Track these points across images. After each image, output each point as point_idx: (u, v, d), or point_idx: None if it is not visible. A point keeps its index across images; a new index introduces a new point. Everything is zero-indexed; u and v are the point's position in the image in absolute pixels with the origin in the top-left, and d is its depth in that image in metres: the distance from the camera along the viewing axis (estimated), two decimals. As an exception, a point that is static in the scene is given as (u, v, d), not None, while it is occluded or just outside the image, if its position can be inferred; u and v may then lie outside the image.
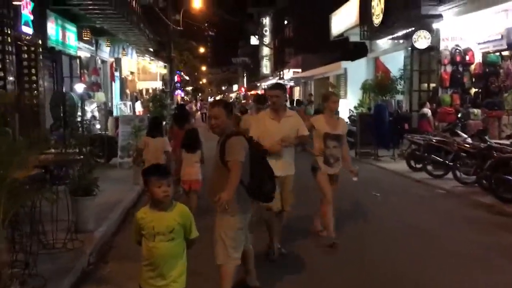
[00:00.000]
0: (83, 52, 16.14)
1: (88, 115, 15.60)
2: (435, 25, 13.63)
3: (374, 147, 13.78)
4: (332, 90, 24.86)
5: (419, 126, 12.56)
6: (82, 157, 5.97)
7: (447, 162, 9.83)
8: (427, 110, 12.60)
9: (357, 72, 21.93)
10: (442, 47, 13.51)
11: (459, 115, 12.42)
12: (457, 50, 13.39)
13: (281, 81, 37.29)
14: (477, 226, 6.88)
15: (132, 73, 26.59)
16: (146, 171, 3.22)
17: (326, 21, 25.70)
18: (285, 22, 41.91)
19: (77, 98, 11.67)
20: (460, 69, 13.49)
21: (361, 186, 9.66)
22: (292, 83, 37.46)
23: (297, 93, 36.98)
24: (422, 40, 13.96)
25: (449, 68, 13.51)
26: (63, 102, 10.17)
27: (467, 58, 13.33)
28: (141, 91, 28.51)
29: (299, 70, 34.43)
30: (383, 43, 19.77)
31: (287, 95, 37.15)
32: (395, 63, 18.65)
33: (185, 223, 3.11)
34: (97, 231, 6.07)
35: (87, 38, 14.07)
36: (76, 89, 12.73)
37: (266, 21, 48.71)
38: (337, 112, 20.99)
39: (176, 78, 34.86)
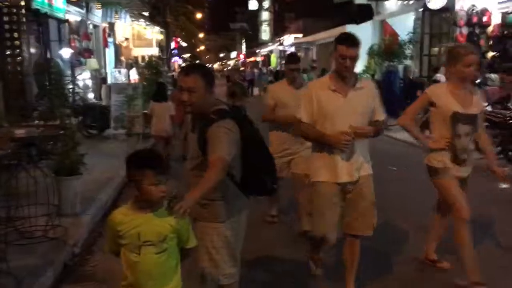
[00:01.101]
0: (73, 15, 15.12)
1: (80, 83, 14.81)
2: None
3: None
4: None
5: (434, 92, 11.68)
6: (63, 131, 5.16)
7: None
8: (441, 76, 11.74)
9: (363, 36, 20.44)
10: (457, 7, 12.55)
11: (477, 81, 11.57)
12: (474, 11, 12.45)
13: (281, 47, 36.22)
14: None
15: (126, 39, 25.51)
16: (137, 160, 2.29)
17: (330, -17, 24.44)
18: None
19: (64, 65, 10.77)
20: (477, 31, 12.59)
21: (373, 158, 9.04)
22: (293, 49, 36.29)
23: (298, 60, 35.83)
24: (436, 0, 12.99)
25: (464, 30, 12.60)
26: (48, 69, 9.29)
27: (484, 19, 12.40)
28: (136, 58, 27.45)
29: (300, 35, 33.27)
30: (391, 4, 18.71)
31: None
32: (404, 26, 17.69)
33: (181, 228, 2.33)
34: (84, 215, 5.35)
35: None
36: (62, 54, 11.81)
37: (266, -16, 47.10)
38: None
39: (173, 45, 33.79)
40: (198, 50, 73.72)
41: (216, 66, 78.13)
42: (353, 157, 3.43)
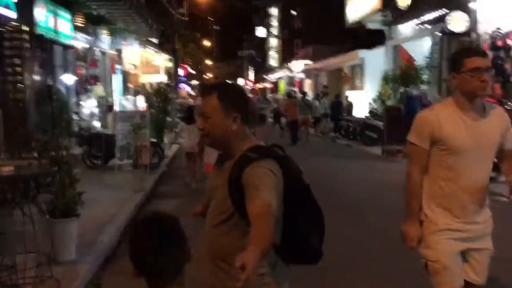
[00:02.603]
0: (80, 42, 14.73)
1: (85, 111, 14.29)
2: (471, 5, 12.03)
3: (403, 144, 12.31)
4: (347, 80, 23.47)
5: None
6: (58, 167, 4.50)
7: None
8: None
9: (375, 61, 20.43)
10: (480, 30, 11.96)
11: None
12: (498, 34, 11.86)
13: (290, 74, 35.88)
14: None
15: (135, 66, 25.24)
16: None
17: (339, 9, 24.13)
18: (294, 12, 40.40)
19: (68, 92, 10.23)
20: (502, 55, 11.97)
21: (398, 192, 8.30)
22: (302, 75, 35.94)
23: (307, 86, 35.47)
24: (458, 22, 12.43)
25: (489, 54, 11.96)
26: (50, 96, 8.73)
27: (510, 42, 11.80)
28: (144, 85, 27.10)
29: (310, 62, 32.94)
30: (405, 29, 18.22)
31: (297, 88, 35.82)
32: (419, 51, 17.16)
33: None
34: (81, 263, 4.65)
35: (81, 25, 12.63)
36: (64, 81, 11.28)
37: (273, 11, 47.15)
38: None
39: (181, 71, 33.55)
40: (206, 77, 73.98)
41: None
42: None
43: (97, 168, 10.70)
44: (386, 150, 12.65)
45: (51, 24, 11.47)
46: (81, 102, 13.90)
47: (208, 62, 70.37)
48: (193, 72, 45.86)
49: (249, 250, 1.62)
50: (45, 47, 11.45)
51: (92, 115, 14.84)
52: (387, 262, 5.07)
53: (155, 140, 11.94)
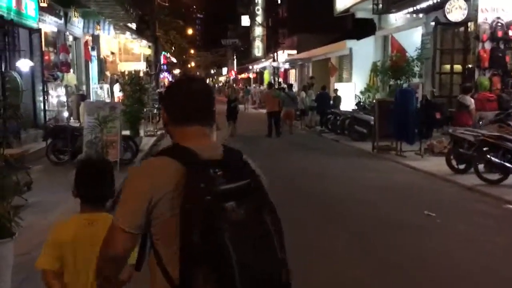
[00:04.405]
0: (49, 26, 13.61)
1: (53, 101, 13.21)
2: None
3: (395, 140, 11.56)
4: (334, 72, 22.65)
5: (458, 118, 10.11)
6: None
7: (507, 163, 7.62)
8: (470, 101, 10.04)
9: (364, 52, 19.65)
10: (480, 19, 11.19)
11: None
12: (499, 24, 11.11)
13: (274, 64, 34.93)
14: None
15: (113, 53, 24.03)
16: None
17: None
18: (279, 1, 39.39)
19: (27, 79, 9.16)
20: (502, 46, 11.24)
21: (399, 197, 7.49)
22: (287, 66, 35.04)
23: (292, 77, 34.60)
24: (456, 10, 11.64)
25: (488, 45, 11.23)
26: (2, 84, 7.68)
27: (511, 33, 11.08)
28: (123, 73, 25.87)
29: (294, 51, 32.03)
30: (396, 18, 17.44)
31: (281, 79, 34.88)
32: (410, 41, 16.41)
33: None
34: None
35: (45, 4, 11.48)
36: (19, 67, 10.18)
37: (259, -1, 46.05)
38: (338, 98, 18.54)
39: (162, 60, 32.32)
40: (189, 66, 72.56)
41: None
42: None
43: (63, 164, 9.71)
44: (378, 147, 11.86)
45: (13, 4, 10.38)
46: (49, 91, 12.83)
47: (191, 50, 68.92)
48: (175, 60, 44.47)
49: None
50: (6, 30, 10.35)
51: (61, 105, 13.77)
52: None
53: (128, 134, 10.98)
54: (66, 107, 13.57)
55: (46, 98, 12.07)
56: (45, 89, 12.15)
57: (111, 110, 9.14)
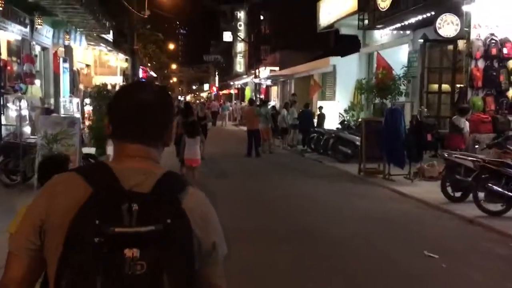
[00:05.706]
0: (11, 34, 12.59)
1: (13, 114, 12.10)
2: (465, 8, 10.53)
3: (382, 162, 10.77)
4: (316, 90, 21.93)
5: (451, 140, 9.32)
6: None
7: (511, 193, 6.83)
8: (464, 123, 9.23)
9: (348, 69, 19.03)
10: (473, 36, 10.53)
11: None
12: (492, 41, 10.47)
13: (256, 80, 34.22)
14: None
15: (87, 65, 23.00)
16: None
17: (310, 13, 22.61)
18: (261, 17, 38.88)
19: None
20: (496, 64, 10.60)
21: (394, 231, 6.57)
22: (269, 82, 34.33)
23: (274, 93, 33.91)
24: (448, 26, 10.97)
25: (481, 64, 10.56)
26: None
27: (505, 51, 10.45)
28: (97, 86, 24.83)
29: (277, 68, 31.35)
30: (382, 35, 16.86)
31: (263, 95, 34.10)
32: (395, 59, 15.82)
33: None
34: None
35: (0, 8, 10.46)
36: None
37: (241, 15, 45.52)
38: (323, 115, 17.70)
39: (141, 74, 31.35)
40: (171, 81, 71.76)
41: (188, 98, 76.41)
42: None
43: (15, 186, 8.66)
44: (364, 170, 11.05)
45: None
46: (8, 104, 11.74)
47: (173, 66, 68.13)
48: (155, 75, 43.50)
49: None
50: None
51: (23, 119, 12.66)
52: None
53: (90, 153, 9.96)
54: (27, 122, 12.47)
55: (2, 111, 10.99)
56: (2, 102, 11.08)
57: (69, 126, 8.13)
